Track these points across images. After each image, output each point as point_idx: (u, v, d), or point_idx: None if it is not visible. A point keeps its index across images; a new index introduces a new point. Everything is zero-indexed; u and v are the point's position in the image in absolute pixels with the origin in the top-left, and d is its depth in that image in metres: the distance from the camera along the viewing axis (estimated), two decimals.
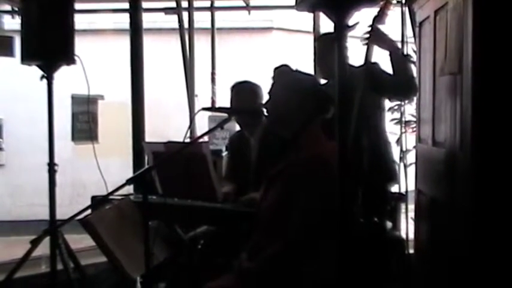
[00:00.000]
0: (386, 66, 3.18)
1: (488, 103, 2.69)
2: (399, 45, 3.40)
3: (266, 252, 2.42)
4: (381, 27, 3.05)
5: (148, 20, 5.20)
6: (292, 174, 2.45)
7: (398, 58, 3.13)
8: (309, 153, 2.46)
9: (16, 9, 5.13)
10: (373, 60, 3.05)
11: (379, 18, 3.03)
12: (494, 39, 2.67)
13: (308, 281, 2.40)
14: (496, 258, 2.66)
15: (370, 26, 3.02)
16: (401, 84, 3.12)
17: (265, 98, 3.35)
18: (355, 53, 3.13)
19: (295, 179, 2.43)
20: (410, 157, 3.97)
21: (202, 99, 5.91)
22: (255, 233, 2.60)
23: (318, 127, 2.55)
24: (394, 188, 3.35)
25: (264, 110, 2.92)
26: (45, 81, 3.49)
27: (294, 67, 2.70)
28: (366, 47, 3.04)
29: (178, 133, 3.39)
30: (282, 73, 2.65)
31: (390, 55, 3.13)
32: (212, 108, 3.89)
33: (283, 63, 2.71)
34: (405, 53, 3.35)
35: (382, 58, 3.16)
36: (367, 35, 3.02)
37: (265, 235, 2.49)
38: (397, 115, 4.90)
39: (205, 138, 3.68)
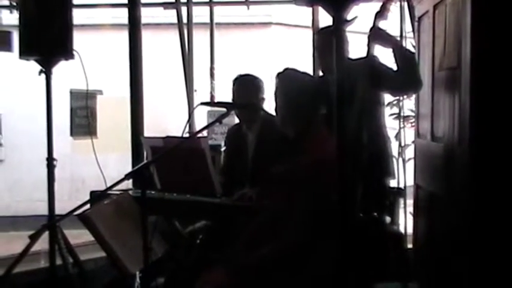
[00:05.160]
0: (389, 62, 3.18)
1: (486, 98, 2.69)
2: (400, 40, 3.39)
3: (265, 250, 2.45)
4: (382, 22, 3.04)
5: (146, 14, 5.18)
6: (297, 178, 2.50)
7: (402, 54, 3.11)
8: (313, 156, 2.49)
9: (14, 4, 5.11)
10: (373, 54, 3.05)
11: (381, 14, 3.02)
12: (493, 33, 2.66)
13: (305, 279, 2.42)
14: (494, 252, 2.67)
15: (372, 24, 3.01)
16: (406, 80, 3.11)
17: (266, 91, 3.41)
18: (356, 48, 3.13)
19: (299, 182, 2.47)
20: (409, 152, 3.97)
21: (201, 94, 5.90)
22: (252, 228, 2.62)
23: (321, 127, 2.59)
24: (393, 183, 3.34)
25: (263, 106, 2.96)
26: (43, 76, 3.48)
27: (295, 69, 2.75)
28: (366, 43, 3.04)
29: (177, 128, 3.39)
30: (285, 77, 2.71)
31: (393, 52, 3.12)
32: (211, 103, 3.90)
33: (286, 67, 2.75)
34: (409, 48, 3.33)
35: (384, 55, 3.16)
36: (368, 35, 3.02)
37: (266, 233, 2.51)
38: (396, 110, 4.90)
39: (204, 133, 3.69)
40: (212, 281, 2.50)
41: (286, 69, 2.72)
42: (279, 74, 2.70)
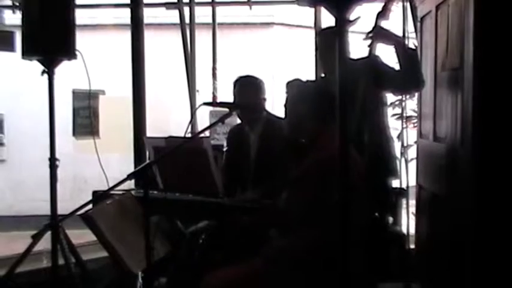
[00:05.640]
0: (391, 61, 3.17)
1: (489, 98, 2.68)
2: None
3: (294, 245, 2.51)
4: (384, 22, 3.04)
5: (149, 14, 5.19)
6: (317, 172, 2.52)
7: (405, 52, 3.10)
8: (328, 152, 2.51)
9: (17, 4, 5.12)
10: (375, 54, 3.05)
11: (382, 14, 3.02)
12: (496, 34, 2.66)
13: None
14: (496, 253, 2.67)
15: (374, 24, 3.01)
16: (409, 77, 3.10)
17: (267, 91, 3.43)
18: (357, 48, 3.13)
19: (320, 175, 2.49)
20: (411, 152, 3.97)
21: (204, 95, 5.90)
22: (279, 229, 2.70)
23: (332, 128, 2.62)
24: (395, 183, 3.34)
25: (264, 106, 2.94)
26: (46, 76, 3.49)
27: (304, 78, 2.79)
28: (368, 44, 3.04)
29: (179, 128, 3.39)
30: (293, 87, 2.79)
31: (396, 50, 3.11)
32: (213, 103, 3.91)
33: (295, 77, 2.80)
34: (411, 46, 3.33)
35: (386, 54, 3.15)
36: (370, 34, 3.02)
37: (296, 231, 2.55)
38: (398, 110, 4.90)
39: (206, 133, 3.69)
40: (222, 276, 2.53)
41: (295, 80, 2.77)
42: (288, 83, 2.76)
